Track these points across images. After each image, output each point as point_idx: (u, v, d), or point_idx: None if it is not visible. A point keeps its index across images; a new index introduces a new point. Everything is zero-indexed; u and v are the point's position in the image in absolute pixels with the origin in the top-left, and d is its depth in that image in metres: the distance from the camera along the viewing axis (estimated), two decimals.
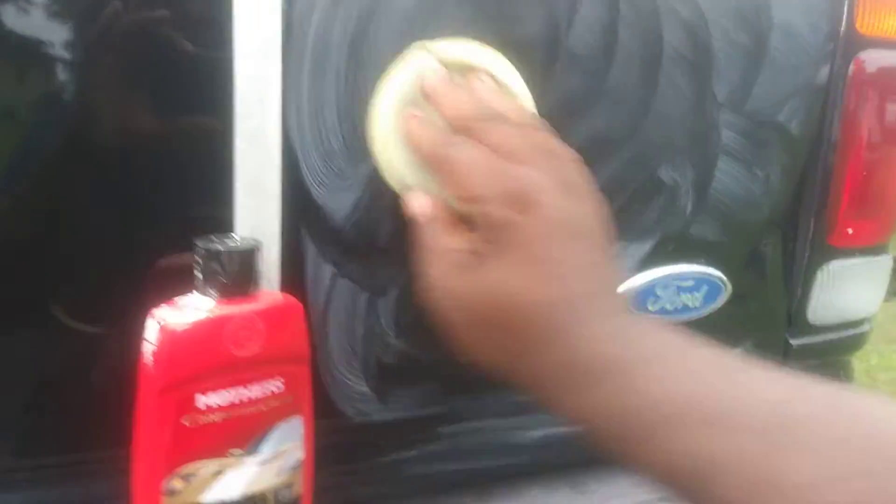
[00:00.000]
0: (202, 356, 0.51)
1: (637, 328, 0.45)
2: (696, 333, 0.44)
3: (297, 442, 0.56)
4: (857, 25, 0.79)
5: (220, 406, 0.51)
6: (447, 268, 0.49)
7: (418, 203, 0.52)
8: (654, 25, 0.69)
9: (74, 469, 0.59)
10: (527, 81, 0.59)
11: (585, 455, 0.52)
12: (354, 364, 0.66)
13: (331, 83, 0.59)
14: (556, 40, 0.65)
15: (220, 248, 0.51)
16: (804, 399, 0.40)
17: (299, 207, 0.60)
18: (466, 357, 0.48)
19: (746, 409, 0.40)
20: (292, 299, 0.56)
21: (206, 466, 0.52)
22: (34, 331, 0.57)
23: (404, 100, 0.56)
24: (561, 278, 0.45)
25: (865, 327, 0.93)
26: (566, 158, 0.50)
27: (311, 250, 0.62)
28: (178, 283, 0.53)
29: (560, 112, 0.66)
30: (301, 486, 0.56)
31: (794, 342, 0.87)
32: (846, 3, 0.79)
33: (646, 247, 0.74)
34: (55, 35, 0.52)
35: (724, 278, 0.78)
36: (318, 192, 0.60)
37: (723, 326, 0.80)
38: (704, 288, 0.78)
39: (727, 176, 0.76)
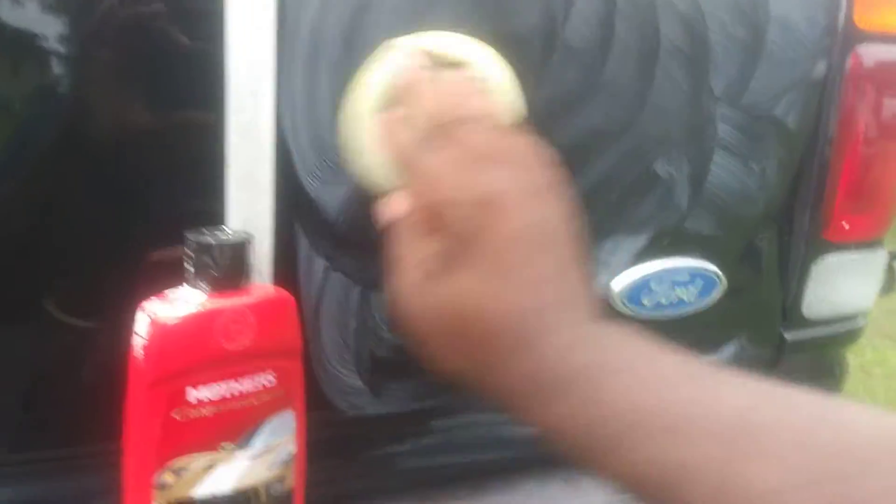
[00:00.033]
0: (193, 350, 0.50)
1: (606, 337, 0.44)
2: (684, 330, 0.44)
3: (289, 436, 0.55)
4: (855, 20, 0.79)
5: (211, 400, 0.51)
6: (415, 275, 0.47)
7: (390, 208, 0.51)
8: (651, 18, 0.68)
9: (65, 463, 0.60)
10: (522, 75, 0.58)
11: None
12: (347, 358, 0.66)
13: (324, 77, 0.58)
14: (552, 33, 0.65)
15: (211, 241, 0.51)
16: (771, 405, 0.40)
17: (292, 201, 0.59)
18: (434, 366, 0.47)
19: (712, 415, 0.39)
20: (284, 293, 0.56)
21: (197, 460, 0.51)
22: (24, 325, 0.57)
23: (379, 100, 0.53)
24: (529, 287, 0.44)
25: (860, 322, 0.93)
26: (539, 162, 0.48)
27: (303, 244, 0.62)
28: (169, 276, 0.53)
29: (556, 105, 0.66)
30: (293, 480, 0.56)
31: (788, 336, 0.87)
32: None
33: (641, 241, 0.74)
34: (47, 29, 0.52)
35: (720, 272, 0.78)
36: (311, 186, 0.60)
37: (717, 321, 0.81)
38: (699, 282, 0.78)
39: (723, 170, 0.75)
